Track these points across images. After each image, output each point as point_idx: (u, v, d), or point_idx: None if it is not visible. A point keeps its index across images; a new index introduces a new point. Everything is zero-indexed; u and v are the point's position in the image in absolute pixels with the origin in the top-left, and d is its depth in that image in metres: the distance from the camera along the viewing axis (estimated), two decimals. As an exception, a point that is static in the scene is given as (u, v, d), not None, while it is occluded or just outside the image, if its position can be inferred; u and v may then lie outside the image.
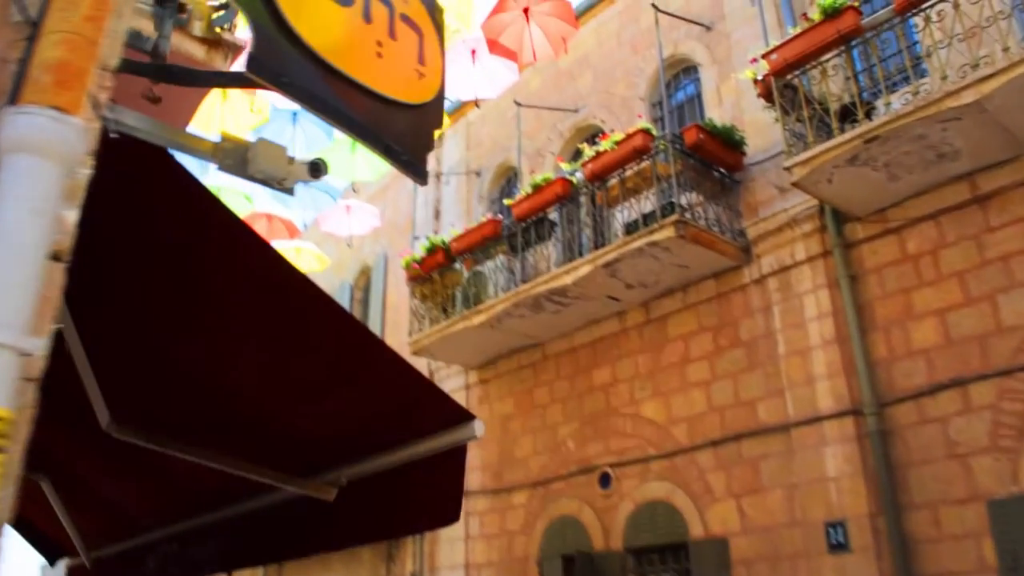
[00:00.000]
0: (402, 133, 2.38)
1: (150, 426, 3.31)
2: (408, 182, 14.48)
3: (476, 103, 12.66)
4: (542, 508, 10.12)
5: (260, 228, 12.16)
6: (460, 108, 13.60)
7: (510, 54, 8.76)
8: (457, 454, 3.07)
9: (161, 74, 2.04)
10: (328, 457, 3.34)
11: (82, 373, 3.04)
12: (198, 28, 2.32)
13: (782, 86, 7.36)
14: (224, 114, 9.15)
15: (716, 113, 9.32)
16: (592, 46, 11.59)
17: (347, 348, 2.76)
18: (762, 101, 7.92)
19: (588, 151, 9.15)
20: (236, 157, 2.22)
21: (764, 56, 7.48)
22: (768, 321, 8.29)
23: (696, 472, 8.54)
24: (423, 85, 2.51)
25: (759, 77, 7.61)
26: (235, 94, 8.92)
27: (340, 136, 10.74)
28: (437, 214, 13.74)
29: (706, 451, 8.51)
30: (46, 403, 3.61)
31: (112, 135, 1.94)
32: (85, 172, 1.75)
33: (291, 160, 2.26)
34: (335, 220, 12.46)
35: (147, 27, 3.38)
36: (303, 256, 13.47)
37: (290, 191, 2.31)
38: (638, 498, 9.02)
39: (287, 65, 2.08)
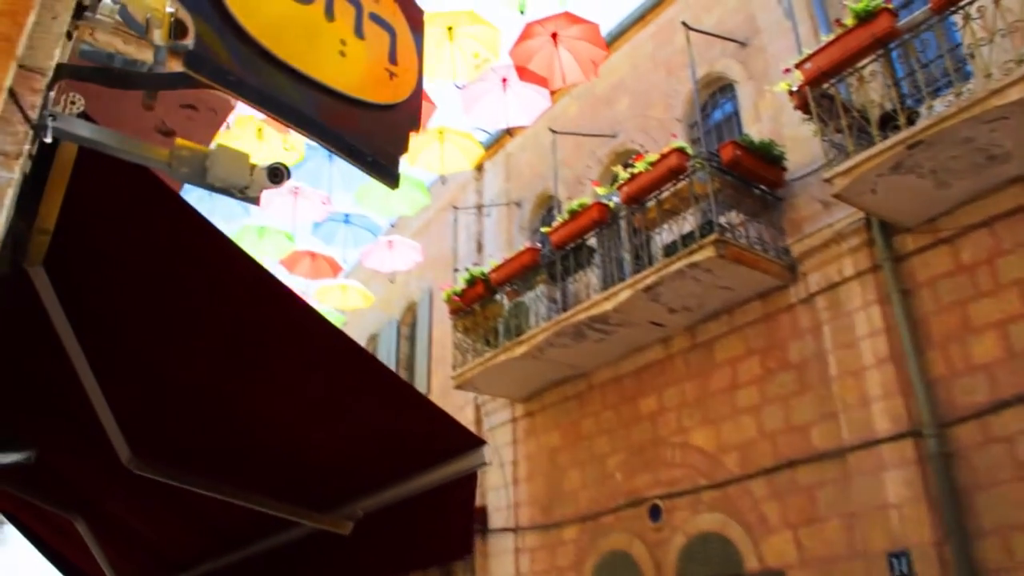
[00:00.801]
0: (369, 134, 2.25)
1: (169, 461, 3.25)
2: (450, 216, 14.48)
3: (510, 131, 12.68)
4: (592, 543, 9.80)
5: (303, 266, 12.27)
6: (499, 139, 13.59)
7: (540, 80, 8.69)
8: (467, 482, 2.95)
9: (100, 77, 1.95)
10: (343, 489, 3.24)
11: (99, 410, 3.00)
12: (158, 36, 2.23)
13: (818, 96, 7.10)
14: (259, 152, 9.25)
15: (754, 130, 9.07)
16: (627, 70, 11.48)
17: (355, 375, 2.68)
18: (800, 114, 7.66)
19: (623, 174, 8.97)
20: (194, 165, 2.12)
21: (797, 66, 7.24)
22: (818, 341, 7.94)
23: (749, 502, 8.16)
24: (395, 85, 2.39)
25: (794, 88, 7.37)
26: (270, 132, 9.02)
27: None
28: (479, 247, 13.67)
29: (759, 480, 8.13)
30: (71, 441, 3.59)
31: (46, 140, 1.85)
32: (6, 176, 1.66)
33: (253, 167, 2.15)
34: (377, 256, 12.49)
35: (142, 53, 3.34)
36: (349, 293, 13.55)
37: (255, 200, 2.20)
38: (690, 530, 8.66)
39: (234, 62, 1.98)
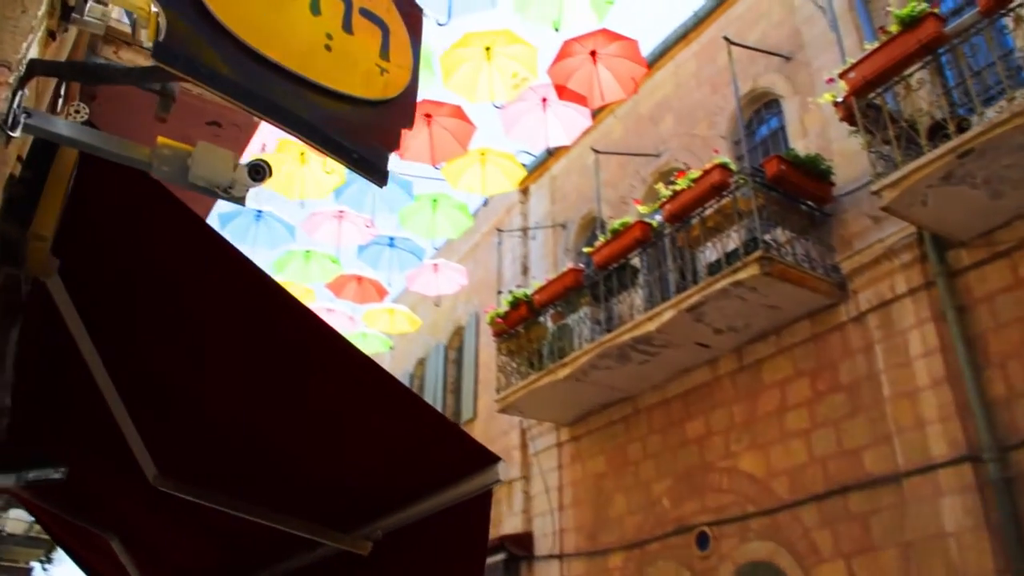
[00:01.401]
0: (355, 130, 2.18)
1: (194, 479, 3.23)
2: (495, 240, 14.45)
3: (553, 153, 12.63)
4: (638, 571, 9.53)
5: (350, 290, 12.33)
6: (544, 162, 13.55)
7: (579, 98, 8.61)
8: (483, 499, 2.85)
9: (75, 72, 1.92)
10: (363, 509, 3.17)
11: (123, 427, 2.99)
12: (145, 36, 2.20)
13: (864, 106, 6.87)
14: (304, 176, 9.34)
15: (801, 145, 8.83)
16: (671, 88, 11.34)
17: (374, 392, 2.61)
18: (847, 127, 7.42)
19: (665, 191, 8.81)
20: (175, 164, 2.08)
21: (842, 76, 7.02)
22: (870, 361, 7.62)
23: (800, 530, 7.83)
24: (386, 81, 2.33)
25: (839, 99, 7.14)
26: (313, 157, 9.10)
27: (421, 194, 10.81)
28: (525, 270, 13.59)
29: (810, 506, 7.81)
30: (100, 458, 3.60)
31: (13, 135, 1.83)
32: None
33: (236, 165, 2.10)
34: (423, 280, 12.49)
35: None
36: (396, 317, 13.57)
37: (240, 200, 2.14)
38: (739, 559, 8.35)
39: (211, 55, 1.93)
